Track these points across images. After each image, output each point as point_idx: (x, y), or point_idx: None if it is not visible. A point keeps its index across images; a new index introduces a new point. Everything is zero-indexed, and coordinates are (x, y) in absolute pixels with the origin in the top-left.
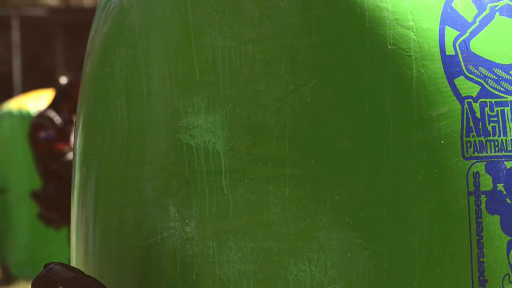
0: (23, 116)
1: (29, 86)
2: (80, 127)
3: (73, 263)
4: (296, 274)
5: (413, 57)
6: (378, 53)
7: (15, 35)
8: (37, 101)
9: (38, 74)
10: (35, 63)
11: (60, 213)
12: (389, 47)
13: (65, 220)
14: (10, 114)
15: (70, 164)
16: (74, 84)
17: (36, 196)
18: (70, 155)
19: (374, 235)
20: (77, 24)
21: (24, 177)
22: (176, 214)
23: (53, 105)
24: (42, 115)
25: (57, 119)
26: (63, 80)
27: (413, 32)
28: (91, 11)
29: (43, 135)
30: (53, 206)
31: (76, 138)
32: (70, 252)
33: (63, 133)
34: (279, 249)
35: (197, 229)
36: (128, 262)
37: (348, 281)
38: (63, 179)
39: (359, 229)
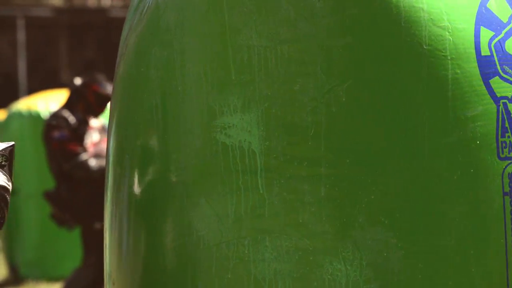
0: (32, 117)
1: (34, 85)
2: (114, 127)
3: (106, 261)
4: (332, 273)
5: (449, 58)
6: (414, 54)
7: (20, 35)
8: (46, 101)
9: (43, 73)
10: (40, 63)
11: (73, 213)
12: (425, 47)
13: (78, 220)
14: (19, 114)
15: (82, 165)
16: (88, 85)
17: (48, 196)
18: (83, 156)
19: (409, 235)
20: (82, 24)
21: (34, 177)
22: (212, 213)
23: (68, 105)
24: (56, 115)
25: (71, 119)
26: (78, 80)
27: (449, 32)
28: (95, 11)
29: (56, 134)
30: (65, 206)
31: (109, 138)
32: (104, 250)
33: (76, 134)
34: (315, 248)
35: (232, 228)
36: (163, 260)
37: (384, 280)
38: (75, 179)
39: (395, 228)
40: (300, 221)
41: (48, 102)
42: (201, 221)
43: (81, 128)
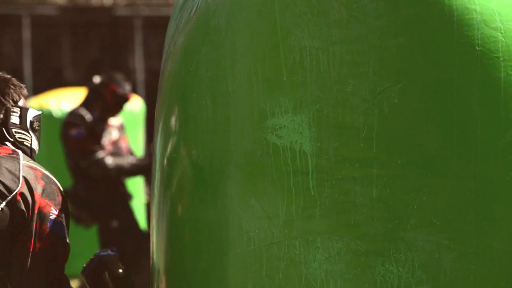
0: (44, 115)
1: (39, 84)
2: (161, 126)
3: (154, 259)
4: (384, 274)
5: (501, 59)
6: (466, 55)
7: (26, 34)
8: (58, 99)
9: (48, 72)
10: (45, 61)
11: (90, 211)
12: (477, 48)
13: (95, 218)
14: None
15: (99, 163)
16: (106, 84)
17: (66, 194)
18: (99, 154)
19: (461, 236)
20: (87, 22)
21: None
22: (262, 214)
23: (85, 104)
24: (74, 113)
25: (88, 117)
26: (96, 79)
27: (501, 33)
28: (99, 10)
29: (74, 132)
30: (83, 205)
31: (156, 137)
32: (151, 248)
33: (94, 132)
34: (366, 250)
35: (283, 229)
36: (211, 261)
37: (436, 281)
38: (92, 177)
39: (447, 230)
40: (352, 222)
41: (60, 100)
42: (251, 222)
43: (99, 127)
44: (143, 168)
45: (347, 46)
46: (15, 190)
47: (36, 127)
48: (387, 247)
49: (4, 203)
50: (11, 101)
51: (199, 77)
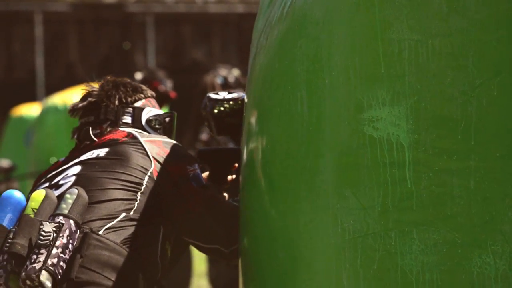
0: (68, 111)
1: (51, 81)
2: (251, 119)
3: (247, 251)
4: (481, 266)
5: None
6: None
7: (38, 30)
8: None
9: (60, 69)
10: (56, 58)
11: None
12: None
13: None
14: (55, 109)
15: None
16: (149, 81)
17: None
18: None
19: None
20: (99, 19)
21: None
22: (358, 205)
23: None
24: None
25: None
26: (138, 76)
27: None
28: (111, 7)
29: None
30: None
31: (246, 127)
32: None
33: None
34: (463, 241)
35: (379, 220)
36: (305, 251)
37: None
38: None
39: None
40: (449, 213)
41: None
42: (346, 213)
43: None
44: None
45: (446, 39)
46: (150, 169)
47: (156, 125)
48: (484, 239)
49: (145, 181)
50: (116, 101)
51: (294, 70)
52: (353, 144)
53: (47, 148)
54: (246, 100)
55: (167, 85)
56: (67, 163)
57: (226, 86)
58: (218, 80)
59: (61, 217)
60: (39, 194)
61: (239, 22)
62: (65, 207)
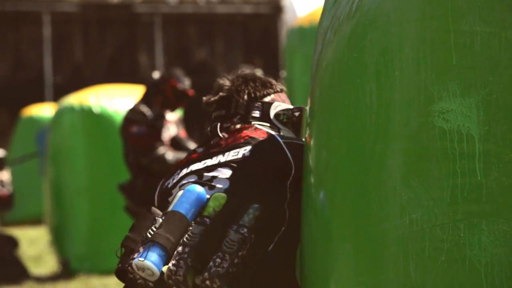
0: (84, 111)
1: (59, 81)
2: (318, 111)
3: (304, 242)
4: None
5: None
6: None
7: (46, 31)
8: (98, 95)
9: (69, 68)
10: (65, 58)
11: (147, 206)
12: None
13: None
14: (71, 109)
15: (160, 159)
16: (166, 80)
17: (123, 189)
18: (160, 150)
19: None
20: (107, 19)
21: (84, 171)
22: (426, 196)
23: (145, 100)
24: (134, 109)
25: (149, 114)
26: (156, 75)
27: None
28: (119, 7)
29: (135, 129)
30: (141, 200)
31: (311, 121)
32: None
33: (154, 128)
34: None
35: (447, 211)
36: (371, 242)
37: None
38: (152, 173)
39: None
40: None
41: (100, 96)
42: (415, 204)
43: (159, 123)
44: None
45: None
46: (292, 172)
47: (284, 120)
48: None
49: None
50: (245, 96)
51: (364, 62)
52: (422, 136)
53: (63, 147)
54: (310, 95)
55: (185, 83)
56: (205, 156)
57: None
58: None
59: (245, 230)
60: (222, 197)
61: (245, 23)
62: (247, 221)
